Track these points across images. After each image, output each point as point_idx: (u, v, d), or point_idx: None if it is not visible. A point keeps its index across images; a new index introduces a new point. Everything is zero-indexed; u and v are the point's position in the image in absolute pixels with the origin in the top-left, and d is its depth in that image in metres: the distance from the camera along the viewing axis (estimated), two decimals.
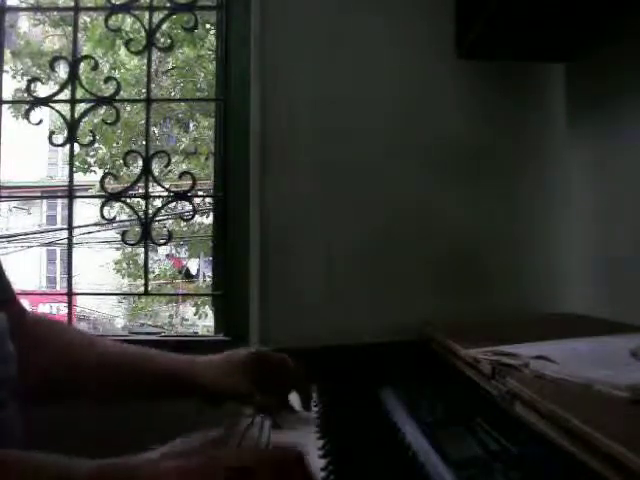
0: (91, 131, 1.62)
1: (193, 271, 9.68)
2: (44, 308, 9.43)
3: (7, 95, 1.62)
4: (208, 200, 5.45)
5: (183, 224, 7.81)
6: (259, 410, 0.82)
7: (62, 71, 1.58)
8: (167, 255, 9.51)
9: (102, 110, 1.69)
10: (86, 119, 1.54)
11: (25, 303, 0.86)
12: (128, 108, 7.19)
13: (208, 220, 7.26)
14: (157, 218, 1.54)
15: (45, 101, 1.45)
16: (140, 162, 1.47)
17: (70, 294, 1.50)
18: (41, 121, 1.50)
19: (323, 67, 1.33)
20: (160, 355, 0.81)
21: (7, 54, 6.57)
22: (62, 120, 1.48)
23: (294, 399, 0.90)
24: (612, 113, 1.14)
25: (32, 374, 0.73)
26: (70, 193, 1.49)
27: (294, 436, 0.82)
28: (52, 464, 0.47)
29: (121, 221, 5.18)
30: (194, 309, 8.05)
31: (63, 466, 0.47)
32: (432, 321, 1.13)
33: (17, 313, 0.81)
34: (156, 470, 0.47)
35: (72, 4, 1.49)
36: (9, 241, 9.09)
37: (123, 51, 6.66)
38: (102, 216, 1.51)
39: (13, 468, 0.45)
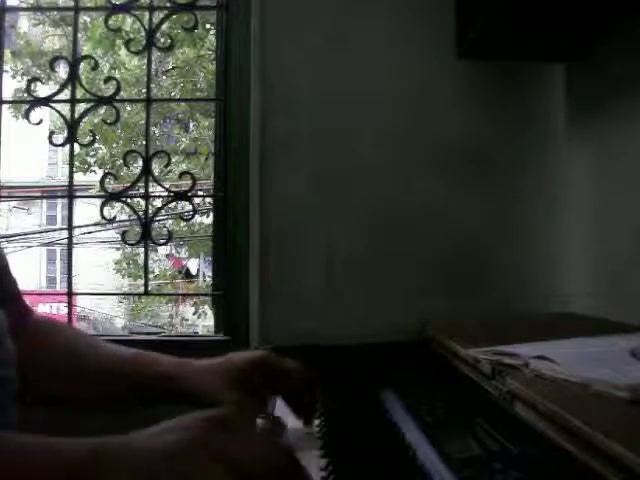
0: (91, 131, 1.62)
1: (193, 271, 9.69)
2: (44, 308, 9.43)
3: (7, 95, 1.62)
4: (208, 200, 5.46)
5: (183, 224, 7.82)
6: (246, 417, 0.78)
7: (62, 71, 1.58)
8: (167, 255, 9.52)
9: (102, 110, 1.69)
10: (86, 119, 1.54)
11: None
12: (128, 108, 7.20)
13: (208, 220, 7.27)
14: (157, 218, 1.54)
15: (45, 101, 1.45)
16: (140, 162, 1.47)
17: (70, 294, 1.50)
18: (41, 121, 1.50)
19: (323, 67, 1.33)
20: (155, 358, 0.79)
21: (7, 54, 6.57)
22: (62, 120, 1.48)
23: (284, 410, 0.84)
24: (612, 113, 1.13)
25: (33, 376, 0.73)
26: (70, 193, 1.49)
27: (293, 438, 0.81)
28: (45, 446, 0.47)
29: (121, 221, 5.18)
30: (193, 309, 8.06)
31: (58, 449, 0.46)
32: (432, 321, 1.13)
33: (21, 312, 0.81)
34: (153, 444, 0.46)
35: (72, 4, 1.49)
36: (9, 241, 9.08)
37: (123, 51, 6.66)
38: (102, 216, 1.51)
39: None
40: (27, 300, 0.85)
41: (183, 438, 0.46)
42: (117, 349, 0.81)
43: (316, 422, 0.82)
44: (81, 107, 1.49)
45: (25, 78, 7.02)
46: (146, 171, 1.43)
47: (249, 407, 0.74)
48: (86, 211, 5.27)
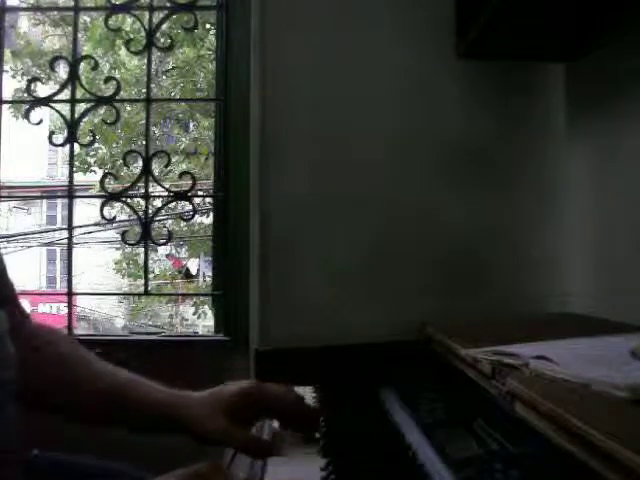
0: (91, 131, 1.63)
1: (193, 271, 9.69)
2: (44, 308, 9.44)
3: (7, 95, 1.62)
4: (208, 200, 5.46)
5: (183, 224, 7.82)
6: (242, 452, 0.77)
7: (62, 71, 1.58)
8: (167, 255, 9.51)
9: (102, 110, 1.69)
10: (86, 119, 1.54)
11: (25, 303, 0.85)
12: (128, 108, 7.20)
13: (208, 220, 7.26)
14: (157, 218, 1.55)
15: (45, 101, 1.45)
16: (140, 162, 1.47)
17: (70, 294, 1.50)
18: (41, 121, 1.51)
19: (323, 67, 1.33)
20: (149, 388, 0.79)
21: (7, 54, 6.57)
22: (62, 120, 1.48)
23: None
24: (612, 113, 1.13)
25: (26, 381, 0.73)
26: (70, 193, 1.49)
27: (293, 438, 0.81)
28: None
29: (121, 221, 5.18)
30: (193, 309, 8.06)
31: None
32: (432, 321, 1.13)
33: (18, 315, 0.81)
34: None
35: (72, 4, 1.50)
36: (9, 241, 9.09)
37: (123, 51, 6.66)
38: (102, 216, 1.52)
39: None
40: (26, 301, 0.85)
41: None
42: (111, 371, 0.81)
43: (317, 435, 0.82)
44: (81, 107, 1.49)
45: (25, 78, 7.02)
46: (146, 171, 1.43)
47: (235, 435, 0.74)
48: (86, 211, 5.27)
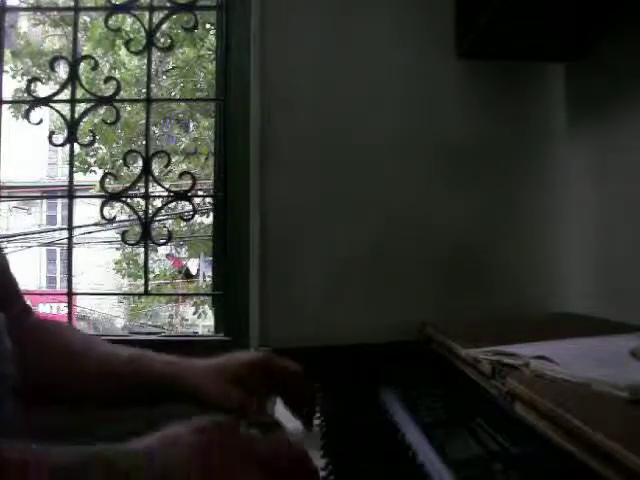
0: (91, 131, 1.62)
1: (193, 271, 9.69)
2: (44, 308, 9.43)
3: (7, 95, 1.62)
4: (208, 200, 5.46)
5: (183, 224, 7.82)
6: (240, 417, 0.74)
7: (62, 71, 1.58)
8: (167, 255, 9.51)
9: (102, 110, 1.69)
10: (86, 119, 1.54)
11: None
12: (128, 108, 7.20)
13: (208, 220, 7.26)
14: (157, 218, 1.54)
15: (45, 101, 1.45)
16: (140, 162, 1.47)
17: (70, 294, 1.50)
18: (41, 121, 1.50)
19: (323, 67, 1.33)
20: (151, 359, 0.78)
21: (7, 54, 6.57)
22: (62, 120, 1.48)
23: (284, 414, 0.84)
24: (612, 113, 1.13)
25: (32, 377, 0.73)
26: (70, 193, 1.49)
27: (292, 438, 0.81)
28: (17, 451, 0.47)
29: (121, 221, 5.18)
30: (193, 309, 8.06)
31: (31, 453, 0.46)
32: (432, 321, 1.13)
33: (20, 310, 0.81)
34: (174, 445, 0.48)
35: (72, 4, 1.49)
36: (9, 241, 9.08)
37: (123, 51, 6.66)
38: (102, 216, 1.51)
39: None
40: (27, 300, 0.85)
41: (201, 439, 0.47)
42: (114, 349, 0.81)
43: (316, 423, 0.82)
44: (81, 107, 1.49)
45: (25, 78, 7.02)
46: (146, 171, 1.43)
47: (247, 406, 0.73)
48: (86, 211, 5.26)
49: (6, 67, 5.35)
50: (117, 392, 0.79)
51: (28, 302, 0.85)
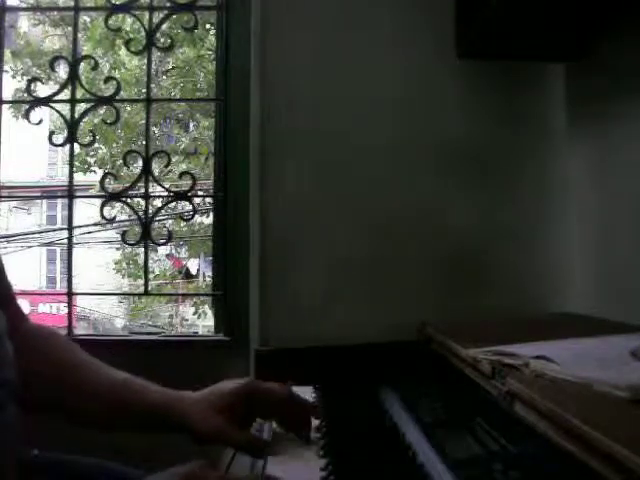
0: (91, 131, 1.63)
1: (193, 271, 9.69)
2: (44, 308, 9.43)
3: (7, 95, 1.62)
4: (208, 200, 5.46)
5: (183, 224, 7.82)
6: (238, 450, 0.78)
7: (62, 71, 1.58)
8: (167, 255, 9.51)
9: (102, 110, 1.69)
10: (86, 119, 1.54)
11: (25, 303, 0.85)
12: (128, 108, 7.20)
13: (208, 220, 7.26)
14: (157, 218, 1.55)
15: (45, 101, 1.45)
16: (140, 162, 1.47)
17: (70, 294, 1.50)
18: (41, 121, 1.50)
19: (323, 67, 1.33)
20: (143, 388, 0.79)
21: (7, 54, 6.57)
22: (62, 120, 1.48)
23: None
24: (612, 113, 1.13)
25: (25, 382, 0.73)
26: (70, 193, 1.49)
27: (293, 438, 0.81)
28: None
29: (121, 221, 5.18)
30: (193, 309, 8.06)
31: None
32: (432, 321, 1.13)
33: (13, 316, 0.81)
34: None
35: (72, 4, 1.50)
36: (9, 241, 9.09)
37: (123, 51, 6.66)
38: (102, 216, 1.51)
39: None
40: (26, 301, 0.85)
41: None
42: (108, 371, 0.81)
43: (313, 436, 0.82)
44: (81, 107, 1.49)
45: (25, 78, 7.02)
46: (146, 171, 1.43)
47: (231, 434, 0.75)
48: (86, 211, 5.27)
49: (6, 67, 5.35)
50: (106, 414, 0.79)
51: (22, 307, 0.85)
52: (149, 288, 1.56)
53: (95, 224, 7.39)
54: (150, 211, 1.45)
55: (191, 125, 8.28)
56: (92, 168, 7.56)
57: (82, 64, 1.49)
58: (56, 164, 10.83)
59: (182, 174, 1.68)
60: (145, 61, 1.56)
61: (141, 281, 6.75)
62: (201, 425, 0.74)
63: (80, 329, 7.92)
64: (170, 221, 6.63)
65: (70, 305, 1.54)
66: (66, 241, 1.58)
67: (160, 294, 10.19)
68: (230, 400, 0.77)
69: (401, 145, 1.32)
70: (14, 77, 7.20)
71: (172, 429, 0.77)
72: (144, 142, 1.64)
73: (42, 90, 1.59)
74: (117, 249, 8.94)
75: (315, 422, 0.83)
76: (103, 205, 1.47)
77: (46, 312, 9.32)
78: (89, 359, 0.83)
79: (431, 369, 1.01)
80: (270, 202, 1.31)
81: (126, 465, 0.86)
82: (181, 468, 0.62)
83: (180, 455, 0.67)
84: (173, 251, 9.47)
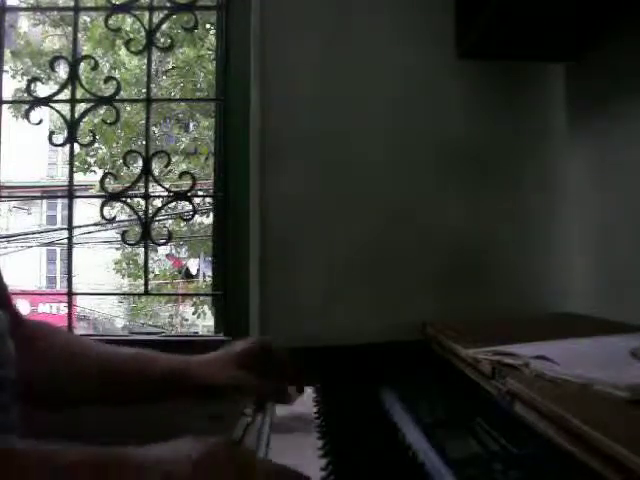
0: (91, 131, 1.62)
1: (193, 271, 9.69)
2: (44, 308, 9.43)
3: (7, 95, 1.61)
4: (208, 200, 5.46)
5: (183, 224, 7.82)
6: (258, 398, 0.85)
7: (62, 71, 1.58)
8: (167, 255, 9.51)
9: (102, 110, 1.69)
10: (86, 119, 1.54)
11: (24, 303, 0.85)
12: (128, 108, 7.20)
13: (208, 220, 7.27)
14: (157, 218, 1.54)
15: (45, 101, 1.45)
16: (140, 162, 1.47)
17: (70, 294, 1.50)
18: (41, 121, 1.50)
19: (323, 67, 1.33)
20: (156, 356, 0.81)
21: (7, 54, 6.57)
22: (62, 120, 1.48)
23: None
24: (612, 113, 1.13)
25: (32, 379, 0.73)
26: (70, 193, 1.49)
27: (293, 438, 0.82)
28: (34, 451, 0.48)
29: (121, 221, 5.18)
30: (193, 309, 8.06)
31: (47, 452, 0.47)
32: (432, 321, 1.13)
33: (12, 316, 0.81)
34: (144, 459, 0.49)
35: (72, 4, 1.49)
36: (9, 241, 9.09)
37: (123, 51, 6.67)
38: (102, 216, 1.51)
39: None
40: (26, 301, 0.85)
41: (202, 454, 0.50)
42: (115, 349, 0.83)
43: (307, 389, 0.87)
44: (81, 107, 1.49)
45: (25, 78, 7.03)
46: (146, 171, 1.43)
47: (251, 381, 0.80)
48: (86, 211, 5.27)
49: (6, 67, 5.35)
50: (121, 390, 0.80)
51: (24, 307, 0.85)
52: (149, 288, 1.56)
53: (95, 224, 7.40)
54: (150, 211, 1.45)
55: (191, 125, 8.28)
56: (92, 168, 7.56)
57: (82, 64, 1.49)
58: (56, 164, 10.84)
59: (182, 174, 1.68)
60: (145, 61, 1.56)
61: (141, 281, 6.75)
62: (226, 378, 0.79)
63: (80, 329, 7.92)
64: (170, 221, 6.64)
65: (70, 305, 1.54)
66: (66, 241, 1.58)
67: (160, 294, 10.20)
68: (242, 357, 0.82)
69: (401, 145, 1.33)
70: (14, 77, 7.20)
71: (186, 392, 0.80)
72: (144, 142, 1.63)
73: (42, 90, 1.59)
74: (117, 249, 8.94)
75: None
76: (103, 205, 1.47)
77: (46, 312, 9.32)
78: (92, 342, 0.86)
79: (431, 369, 1.01)
80: (270, 202, 1.31)
81: None
82: (199, 444, 0.52)
83: None
84: (173, 251, 9.48)
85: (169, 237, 1.75)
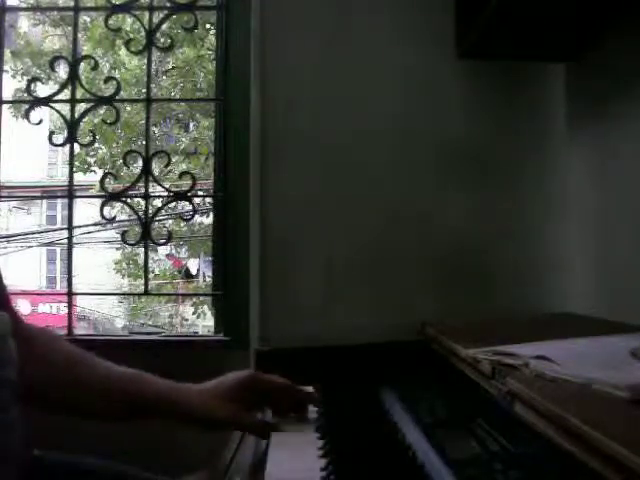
0: (91, 131, 1.63)
1: (193, 271, 9.69)
2: (44, 308, 9.43)
3: (7, 95, 1.62)
4: (208, 200, 5.46)
5: (183, 224, 7.82)
6: (251, 433, 0.84)
7: (62, 71, 1.59)
8: (167, 255, 9.51)
9: (102, 110, 1.69)
10: (86, 119, 1.54)
11: (24, 303, 0.85)
12: (128, 108, 7.20)
13: (208, 220, 7.26)
14: (157, 218, 1.55)
15: (45, 101, 1.45)
16: (140, 162, 1.47)
17: (70, 294, 1.50)
18: (41, 121, 1.50)
19: (323, 67, 1.33)
20: (153, 380, 0.81)
21: (7, 54, 6.57)
22: (62, 120, 1.48)
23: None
24: (612, 113, 1.13)
25: (29, 382, 0.73)
26: (70, 193, 1.49)
27: (293, 437, 0.82)
28: None
29: (121, 221, 5.18)
30: (193, 309, 8.06)
31: None
32: (432, 321, 1.13)
33: (14, 317, 0.81)
34: None
35: (72, 4, 1.50)
36: (9, 241, 9.09)
37: (123, 51, 6.66)
38: (102, 216, 1.51)
39: None
40: (26, 302, 0.85)
41: None
42: (112, 366, 0.83)
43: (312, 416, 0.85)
44: (81, 107, 1.49)
45: (25, 78, 7.02)
46: (146, 171, 1.43)
47: (245, 418, 0.80)
48: (86, 211, 5.26)
49: (6, 67, 5.35)
50: (115, 407, 0.80)
51: (24, 307, 0.85)
52: (149, 288, 1.56)
53: (95, 224, 7.39)
54: (150, 211, 1.45)
55: (191, 125, 8.28)
56: (92, 168, 7.56)
57: (82, 64, 1.50)
58: (56, 164, 10.83)
59: (182, 174, 1.69)
60: (145, 61, 1.56)
61: (141, 281, 6.75)
62: (216, 412, 0.79)
63: (80, 329, 7.92)
64: (170, 221, 6.63)
65: (70, 305, 1.54)
66: (66, 241, 1.58)
67: (160, 294, 10.18)
68: (238, 390, 0.81)
69: (401, 145, 1.33)
70: (14, 77, 7.19)
71: (177, 418, 0.80)
72: (144, 142, 1.64)
73: (42, 90, 1.60)
74: (117, 249, 8.93)
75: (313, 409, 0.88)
76: (103, 205, 1.47)
77: (46, 312, 9.31)
78: (88, 356, 0.85)
79: (431, 369, 1.01)
80: (270, 202, 1.31)
81: (127, 465, 0.86)
82: None
83: (180, 454, 0.67)
84: (173, 251, 9.47)
85: (169, 237, 1.75)
